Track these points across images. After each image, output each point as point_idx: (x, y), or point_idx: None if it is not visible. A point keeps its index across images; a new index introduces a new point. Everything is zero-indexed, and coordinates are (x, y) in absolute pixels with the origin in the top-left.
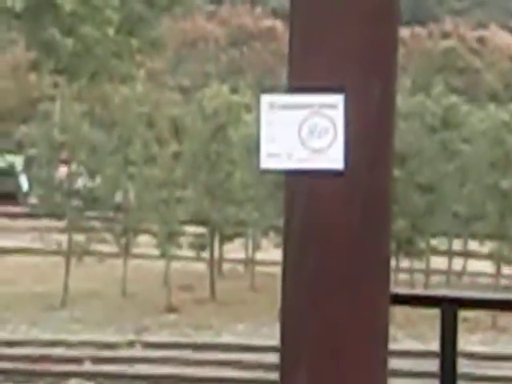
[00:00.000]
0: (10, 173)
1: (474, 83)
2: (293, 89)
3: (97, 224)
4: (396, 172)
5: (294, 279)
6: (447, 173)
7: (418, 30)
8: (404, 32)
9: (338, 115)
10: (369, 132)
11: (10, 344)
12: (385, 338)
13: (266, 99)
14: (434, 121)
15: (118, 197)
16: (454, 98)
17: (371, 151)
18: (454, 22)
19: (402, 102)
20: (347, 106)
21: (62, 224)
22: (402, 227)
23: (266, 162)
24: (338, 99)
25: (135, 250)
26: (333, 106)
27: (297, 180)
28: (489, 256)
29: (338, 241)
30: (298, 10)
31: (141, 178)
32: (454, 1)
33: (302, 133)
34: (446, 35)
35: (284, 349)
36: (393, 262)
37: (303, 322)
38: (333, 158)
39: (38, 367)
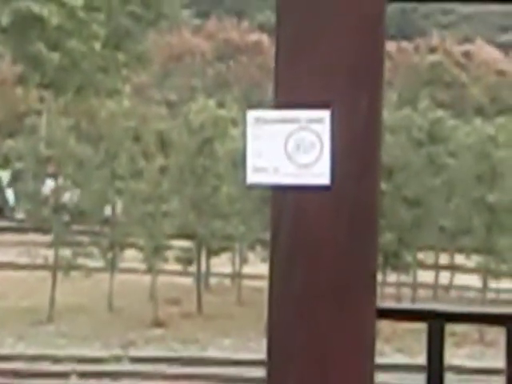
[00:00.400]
0: None
1: (460, 97)
2: (279, 103)
3: (84, 238)
4: (383, 185)
5: (281, 292)
6: (434, 187)
7: (405, 44)
8: (391, 46)
9: (325, 130)
10: (356, 146)
11: None
12: (371, 350)
13: (252, 114)
14: (421, 135)
15: (105, 211)
16: (440, 112)
17: (358, 165)
18: (441, 37)
19: (388, 115)
20: (334, 120)
21: (48, 238)
22: (389, 240)
23: (253, 177)
24: (324, 114)
25: (122, 265)
26: (319, 121)
27: (283, 195)
28: (476, 270)
29: (326, 254)
30: (285, 24)
31: (127, 192)
32: (441, 15)
33: (289, 147)
34: (432, 50)
35: (271, 361)
36: (380, 276)
37: (290, 335)
38: (319, 173)
39: (25, 381)
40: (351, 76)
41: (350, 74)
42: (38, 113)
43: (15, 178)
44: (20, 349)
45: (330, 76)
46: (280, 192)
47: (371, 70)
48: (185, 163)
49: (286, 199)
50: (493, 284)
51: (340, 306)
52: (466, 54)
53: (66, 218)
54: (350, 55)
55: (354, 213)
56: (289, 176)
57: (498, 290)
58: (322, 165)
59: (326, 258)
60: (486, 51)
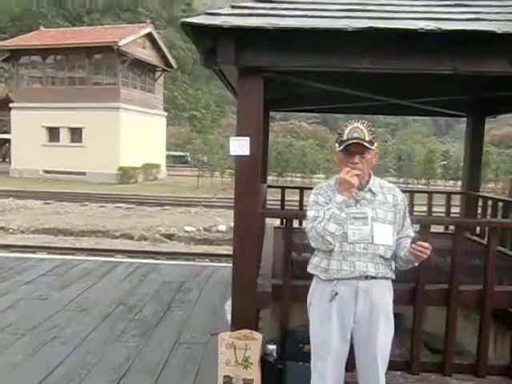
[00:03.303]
0: (185, 156)
1: (296, 135)
2: (237, 134)
3: (205, 170)
4: (277, 157)
5: (240, 186)
6: (289, 157)
7: (281, 122)
8: (275, 123)
9: (247, 143)
10: (255, 146)
11: (171, 198)
12: (263, 200)
13: (231, 138)
14: (286, 145)
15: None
16: (291, 138)
17: (257, 150)
18: (293, 121)
19: (278, 139)
20: (250, 141)
21: (196, 170)
22: (278, 171)
23: (232, 153)
24: (247, 138)
25: (214, 175)
26: (245, 140)
27: (238, 158)
28: (298, 177)
29: (247, 174)
30: (239, 111)
31: (218, 159)
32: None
33: (239, 146)
34: (290, 124)
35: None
36: (276, 179)
37: (242, 197)
38: (246, 151)
39: (180, 203)
40: (255, 130)
41: (254, 130)
42: (195, 138)
43: (190, 154)
44: (184, 198)
45: (250, 130)
46: (237, 158)
47: (262, 129)
48: None
49: (238, 160)
50: (308, 186)
51: (251, 187)
52: (299, 126)
53: (201, 164)
54: (255, 126)
55: (255, 163)
56: (240, 152)
57: (314, 184)
58: (247, 150)
59: (248, 175)
60: (303, 125)
